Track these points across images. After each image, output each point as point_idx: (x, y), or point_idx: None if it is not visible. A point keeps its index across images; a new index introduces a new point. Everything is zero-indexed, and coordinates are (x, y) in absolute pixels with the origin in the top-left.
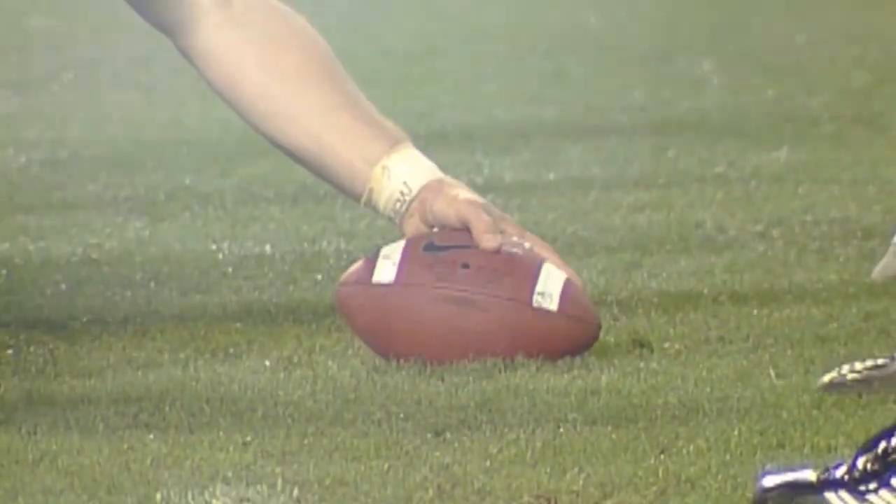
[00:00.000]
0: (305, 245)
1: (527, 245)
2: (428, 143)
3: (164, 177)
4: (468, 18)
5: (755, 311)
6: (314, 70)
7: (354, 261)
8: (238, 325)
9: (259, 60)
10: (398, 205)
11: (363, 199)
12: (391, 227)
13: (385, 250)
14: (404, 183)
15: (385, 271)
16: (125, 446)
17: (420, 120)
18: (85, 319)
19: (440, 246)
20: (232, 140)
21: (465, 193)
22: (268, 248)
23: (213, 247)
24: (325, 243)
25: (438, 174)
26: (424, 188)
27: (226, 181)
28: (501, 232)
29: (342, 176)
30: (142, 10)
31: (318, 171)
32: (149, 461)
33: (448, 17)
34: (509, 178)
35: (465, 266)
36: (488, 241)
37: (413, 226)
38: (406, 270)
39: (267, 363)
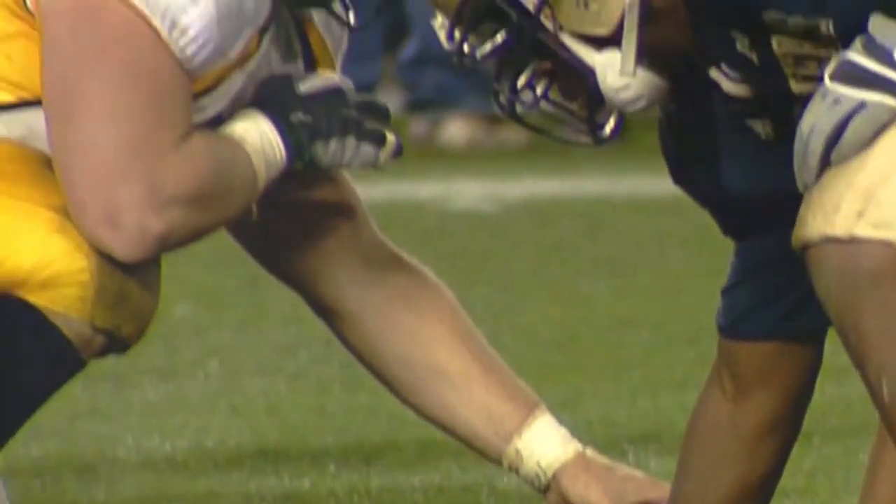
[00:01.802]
0: None
1: None
2: (573, 434)
3: (308, 465)
4: (611, 307)
5: None
6: (450, 334)
7: None
8: None
9: (402, 326)
10: (535, 482)
11: (504, 465)
12: None
13: None
14: (538, 464)
15: None
16: None
17: (564, 408)
18: None
19: None
20: (377, 429)
21: (598, 477)
22: None
23: None
24: None
25: (571, 448)
26: (559, 473)
27: (370, 468)
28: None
29: (477, 447)
30: (271, 263)
31: (453, 435)
32: None
33: (591, 305)
34: (654, 464)
35: None
36: None
37: (555, 502)
38: None
39: None
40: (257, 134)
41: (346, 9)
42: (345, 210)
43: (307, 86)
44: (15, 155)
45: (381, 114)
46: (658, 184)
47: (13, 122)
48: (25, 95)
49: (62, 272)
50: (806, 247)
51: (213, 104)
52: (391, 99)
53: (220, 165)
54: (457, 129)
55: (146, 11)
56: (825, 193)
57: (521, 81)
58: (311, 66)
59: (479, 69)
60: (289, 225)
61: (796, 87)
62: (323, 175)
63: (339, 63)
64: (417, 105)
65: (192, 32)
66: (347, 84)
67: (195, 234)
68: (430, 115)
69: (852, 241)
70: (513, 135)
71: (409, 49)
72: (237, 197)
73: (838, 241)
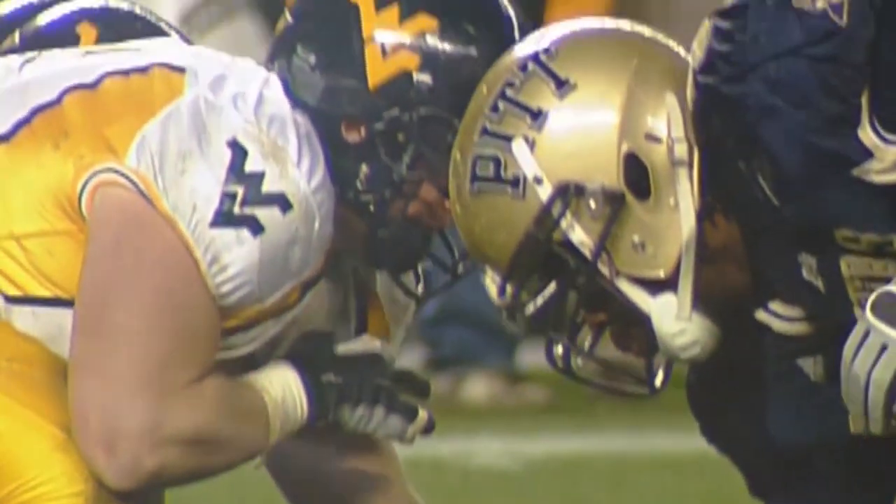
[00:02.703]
0: None
1: None
2: None
3: None
4: None
5: None
6: None
7: None
8: None
9: None
10: None
11: None
12: None
13: None
14: None
15: None
16: None
17: None
18: None
19: None
20: None
21: None
22: None
23: None
24: None
25: None
26: None
27: None
28: None
29: None
30: None
31: None
32: None
33: None
34: None
35: None
36: None
37: None
38: None
39: None
40: (281, 387)
41: (417, 280)
42: (380, 483)
43: (347, 348)
44: (37, 359)
45: (420, 389)
46: (680, 441)
47: (45, 318)
48: (61, 294)
49: (58, 492)
50: None
51: (244, 345)
52: (413, 356)
53: (228, 413)
54: (478, 387)
55: (191, 240)
56: None
57: (577, 335)
58: (361, 329)
59: (501, 326)
60: (321, 489)
61: (860, 314)
62: (364, 442)
63: (399, 331)
64: (439, 362)
65: (231, 271)
66: (390, 354)
67: (193, 475)
68: (452, 372)
69: None
70: (534, 392)
71: (429, 306)
72: (243, 445)
73: None
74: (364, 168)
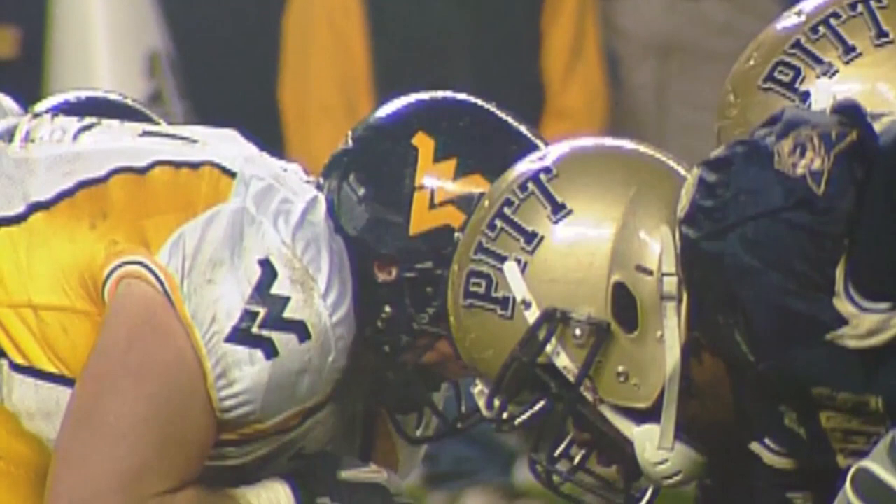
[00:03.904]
0: None
1: None
2: None
3: None
4: None
5: None
6: None
7: None
8: None
9: None
10: None
11: None
12: None
13: None
14: None
15: None
16: None
17: None
18: None
19: None
20: None
21: None
22: None
23: None
24: None
25: None
26: None
27: None
28: None
29: None
30: None
31: None
32: None
33: None
34: None
35: None
36: None
37: None
38: None
39: None
40: (269, 503)
41: (419, 423)
42: None
43: (349, 473)
44: (25, 461)
45: None
46: None
47: (46, 392)
48: (66, 373)
49: None
50: None
51: (235, 458)
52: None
53: None
54: (476, 501)
55: (204, 350)
56: None
57: (559, 450)
58: (366, 456)
59: (498, 441)
60: None
61: (843, 461)
62: None
63: (411, 461)
64: (436, 478)
65: (237, 388)
66: (397, 486)
67: None
68: (449, 488)
69: None
70: None
71: None
72: None
73: None
74: (387, 309)
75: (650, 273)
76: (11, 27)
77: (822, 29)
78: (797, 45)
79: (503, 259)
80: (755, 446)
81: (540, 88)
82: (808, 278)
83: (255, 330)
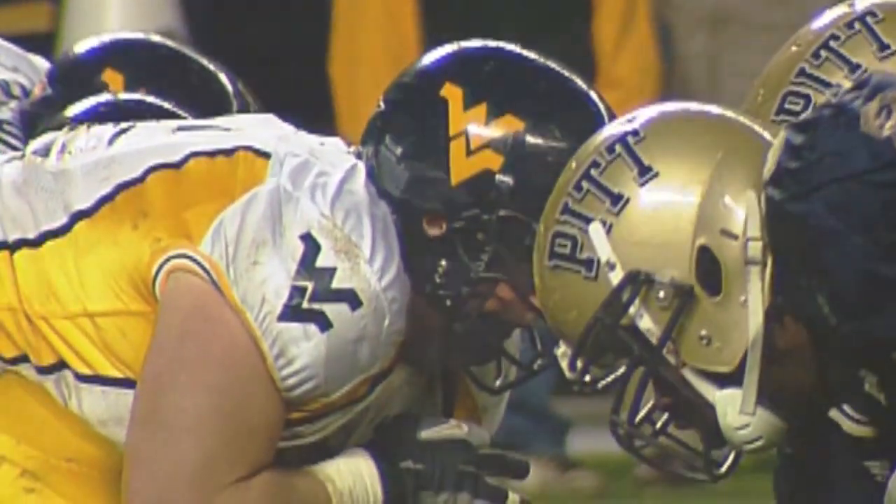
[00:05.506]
0: None
1: None
2: None
3: None
4: None
5: None
6: None
7: None
8: None
9: None
10: None
11: None
12: None
13: None
14: None
15: None
16: None
17: None
18: None
19: None
20: None
21: None
22: None
23: None
24: None
25: None
26: None
27: None
28: None
29: None
30: None
31: None
32: None
33: None
34: None
35: None
36: None
37: None
38: None
39: None
40: (351, 476)
41: (498, 373)
42: None
43: (429, 433)
44: (96, 461)
45: (515, 470)
46: None
47: (114, 398)
48: (131, 375)
49: None
50: None
51: (311, 434)
52: None
53: None
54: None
55: (258, 333)
56: None
57: (641, 415)
58: (448, 413)
59: (552, 413)
60: None
61: None
62: None
63: (494, 414)
64: None
65: (297, 365)
66: (481, 438)
67: None
68: None
69: None
70: (584, 478)
71: None
72: None
73: None
74: (443, 263)
75: (735, 237)
76: (46, 1)
77: (823, 53)
78: (802, 73)
79: (589, 220)
80: (835, 413)
81: (592, 59)
82: (892, 241)
83: (305, 305)
